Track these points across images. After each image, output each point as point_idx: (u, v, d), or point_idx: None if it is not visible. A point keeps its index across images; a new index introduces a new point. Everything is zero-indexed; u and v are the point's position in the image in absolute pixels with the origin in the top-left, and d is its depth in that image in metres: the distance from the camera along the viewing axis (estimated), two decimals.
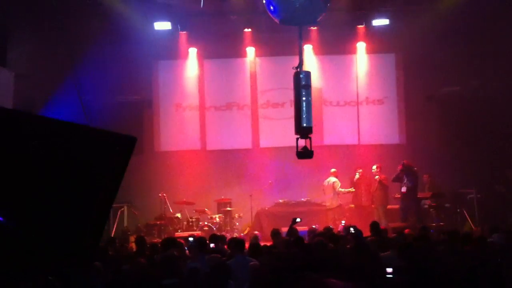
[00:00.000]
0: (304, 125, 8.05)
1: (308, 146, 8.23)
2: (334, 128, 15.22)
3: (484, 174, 13.33)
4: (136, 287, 4.12)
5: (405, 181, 12.70)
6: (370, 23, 14.55)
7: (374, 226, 8.76)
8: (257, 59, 15.36)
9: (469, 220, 12.48)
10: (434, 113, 14.86)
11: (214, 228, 12.79)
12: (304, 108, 8.05)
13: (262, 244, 7.82)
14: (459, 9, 12.98)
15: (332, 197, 13.40)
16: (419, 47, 14.14)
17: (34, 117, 2.79)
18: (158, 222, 13.23)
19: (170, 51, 15.01)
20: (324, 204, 13.67)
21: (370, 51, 15.14)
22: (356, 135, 15.23)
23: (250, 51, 15.25)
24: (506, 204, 12.80)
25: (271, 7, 8.09)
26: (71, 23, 13.32)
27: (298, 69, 8.33)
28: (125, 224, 13.52)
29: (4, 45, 12.49)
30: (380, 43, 14.78)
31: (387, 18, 14.35)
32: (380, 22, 14.41)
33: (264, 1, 8.22)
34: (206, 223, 13.14)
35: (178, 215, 13.59)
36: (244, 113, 15.39)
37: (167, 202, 13.59)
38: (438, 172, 13.55)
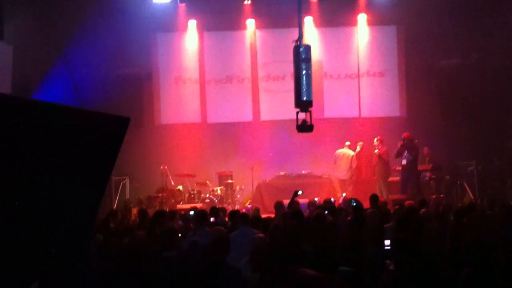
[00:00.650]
0: (304, 98, 8.03)
1: (308, 120, 8.23)
2: (335, 101, 15.18)
3: (484, 146, 13.35)
4: (135, 260, 4.18)
5: (405, 154, 12.70)
6: None
7: (373, 198, 8.82)
8: (257, 32, 15.24)
9: (469, 192, 12.55)
10: (435, 86, 14.79)
11: (216, 201, 12.90)
12: (304, 82, 8.02)
13: (262, 216, 7.90)
14: None
15: (348, 169, 13.58)
16: (420, 19, 14.00)
17: (25, 101, 2.79)
18: (159, 195, 13.33)
19: (169, 24, 14.90)
20: (324, 176, 13.76)
21: (371, 23, 15.00)
22: (357, 108, 15.21)
23: (250, 23, 15.12)
24: (506, 176, 12.85)
25: None
26: None
27: (298, 43, 8.28)
28: (127, 196, 13.63)
29: (1, 18, 12.39)
30: (381, 15, 14.64)
31: None
32: None
33: None
34: (207, 195, 13.24)
35: (180, 187, 13.68)
36: (244, 86, 15.35)
37: (169, 174, 13.67)
38: (438, 144, 13.57)
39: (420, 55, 14.64)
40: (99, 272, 4.49)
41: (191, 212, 8.53)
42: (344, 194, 12.81)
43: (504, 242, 5.19)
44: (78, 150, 2.64)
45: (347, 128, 14.74)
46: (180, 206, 12.50)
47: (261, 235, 5.90)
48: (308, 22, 14.70)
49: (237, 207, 12.67)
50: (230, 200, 13.45)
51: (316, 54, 13.81)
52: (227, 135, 14.98)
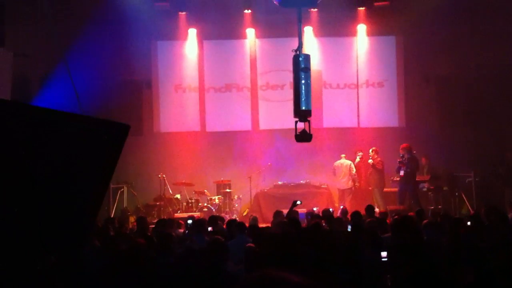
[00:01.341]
0: (303, 108, 8.06)
1: (307, 129, 8.24)
2: (334, 111, 15.21)
3: (482, 157, 13.37)
4: (133, 266, 4.18)
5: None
6: (371, 5, 14.45)
7: (369, 209, 8.84)
8: (257, 41, 15.29)
9: (466, 203, 12.56)
10: (434, 96, 14.85)
11: (213, 209, 12.86)
12: (303, 91, 8.05)
13: (260, 226, 7.90)
14: None
15: (348, 179, 13.61)
16: (419, 30, 14.10)
17: (24, 107, 2.79)
18: (157, 203, 13.30)
19: (169, 32, 14.95)
20: (323, 186, 13.76)
21: (370, 33, 15.07)
22: (356, 118, 15.24)
23: (250, 32, 15.17)
24: (503, 188, 12.86)
25: None
26: (69, 2, 13.25)
27: (297, 52, 8.31)
28: (125, 204, 13.59)
29: (2, 24, 12.42)
30: (380, 25, 14.71)
31: (388, 0, 14.25)
32: (380, 4, 14.33)
33: None
34: (205, 204, 13.22)
35: (178, 196, 13.65)
36: (243, 94, 15.38)
37: (167, 183, 13.64)
38: (436, 155, 13.60)
39: (419, 65, 14.72)
40: (98, 277, 4.48)
41: (189, 221, 8.52)
42: (341, 207, 12.82)
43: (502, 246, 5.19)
44: (78, 157, 2.64)
45: (346, 138, 14.75)
46: (178, 214, 12.46)
47: (251, 244, 5.92)
48: (308, 31, 14.75)
49: (235, 216, 12.65)
50: (228, 209, 13.41)
51: (315, 64, 13.88)
52: (226, 144, 14.97)
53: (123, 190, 13.61)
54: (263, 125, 15.30)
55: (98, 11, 13.33)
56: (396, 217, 8.29)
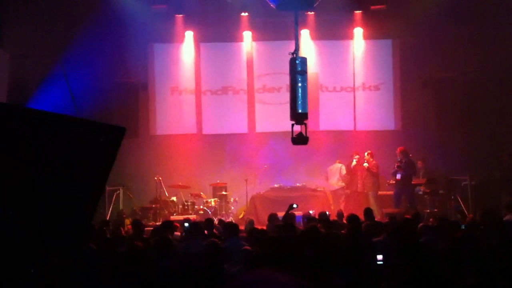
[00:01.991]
0: (300, 111, 8.08)
1: (304, 132, 8.25)
2: (330, 114, 15.21)
3: (479, 161, 13.39)
4: (132, 269, 4.17)
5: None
6: (367, 8, 14.48)
7: (368, 212, 8.84)
8: (254, 44, 15.29)
9: (462, 206, 12.57)
10: (430, 100, 14.87)
11: (210, 212, 12.85)
12: (299, 94, 8.06)
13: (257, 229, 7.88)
14: None
15: (338, 179, 13.78)
16: (416, 33, 14.12)
17: (21, 110, 2.79)
18: (153, 206, 13.27)
19: (166, 34, 14.93)
20: (319, 189, 13.77)
21: (367, 36, 15.09)
22: (352, 121, 15.24)
23: (247, 35, 15.17)
24: (499, 191, 12.88)
25: None
26: (66, 3, 13.22)
27: (294, 55, 8.33)
28: (121, 207, 13.56)
29: None
30: (377, 28, 14.73)
31: (385, 3, 14.28)
32: (377, 7, 14.35)
33: None
34: (201, 206, 13.20)
35: (174, 198, 13.62)
36: (240, 97, 15.37)
37: (163, 185, 13.61)
38: (433, 158, 13.61)
39: (415, 68, 14.74)
40: (96, 279, 4.47)
41: (186, 224, 8.50)
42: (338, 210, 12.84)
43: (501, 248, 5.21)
44: (74, 159, 2.63)
45: (342, 141, 14.75)
46: (174, 217, 12.43)
47: (248, 247, 5.93)
48: (305, 34, 14.75)
49: (230, 219, 12.64)
50: (224, 212, 13.39)
51: (312, 67, 13.90)
52: (222, 147, 14.97)
53: (119, 193, 13.57)
54: (259, 128, 15.29)
55: (96, 13, 13.30)
56: (388, 220, 8.35)
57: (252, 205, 13.40)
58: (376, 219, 9.42)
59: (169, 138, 15.04)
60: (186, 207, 13.23)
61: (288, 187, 13.81)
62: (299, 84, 8.09)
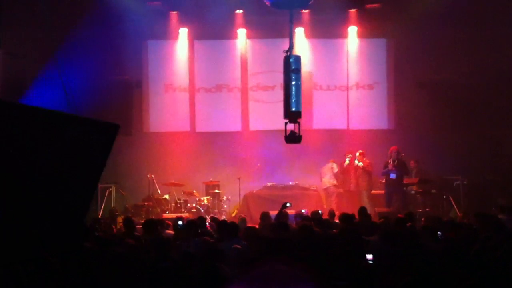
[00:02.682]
0: (293, 109, 8.07)
1: (297, 131, 8.24)
2: (324, 112, 15.22)
3: (471, 161, 13.44)
4: (129, 269, 4.13)
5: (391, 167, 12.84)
6: (362, 7, 14.49)
7: (362, 211, 8.85)
8: (248, 41, 15.27)
9: (454, 206, 12.61)
10: (424, 99, 14.86)
11: (202, 210, 12.82)
12: (293, 93, 8.05)
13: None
14: None
15: (330, 177, 13.77)
16: (410, 33, 14.12)
17: (14, 106, 2.75)
18: (146, 203, 13.22)
19: (160, 31, 14.88)
20: (312, 188, 13.79)
21: (361, 35, 15.10)
22: (346, 120, 15.26)
23: (241, 33, 15.14)
24: (491, 191, 12.94)
25: None
26: (61, 1, 13.14)
27: (288, 53, 8.31)
28: (113, 204, 13.50)
29: None
30: (371, 27, 14.74)
31: (380, 2, 14.30)
32: (372, 6, 14.38)
33: None
34: (194, 205, 13.17)
35: (166, 196, 13.59)
36: (234, 95, 15.35)
37: (155, 183, 13.57)
38: (425, 158, 13.62)
39: (409, 68, 14.76)
40: (94, 278, 4.43)
41: (180, 222, 8.46)
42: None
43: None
44: (67, 156, 2.61)
45: (336, 140, 14.75)
46: (166, 215, 12.40)
47: (239, 246, 5.91)
48: (299, 33, 14.74)
49: (223, 217, 12.61)
50: (216, 210, 13.36)
51: (306, 65, 13.91)
52: (216, 145, 14.93)
53: (111, 190, 13.52)
54: (253, 126, 15.28)
55: (90, 10, 13.23)
56: (382, 220, 8.35)
57: (245, 204, 13.39)
58: None
59: (162, 135, 15.00)
60: (178, 205, 13.19)
61: (281, 185, 13.81)
62: (293, 83, 8.08)
